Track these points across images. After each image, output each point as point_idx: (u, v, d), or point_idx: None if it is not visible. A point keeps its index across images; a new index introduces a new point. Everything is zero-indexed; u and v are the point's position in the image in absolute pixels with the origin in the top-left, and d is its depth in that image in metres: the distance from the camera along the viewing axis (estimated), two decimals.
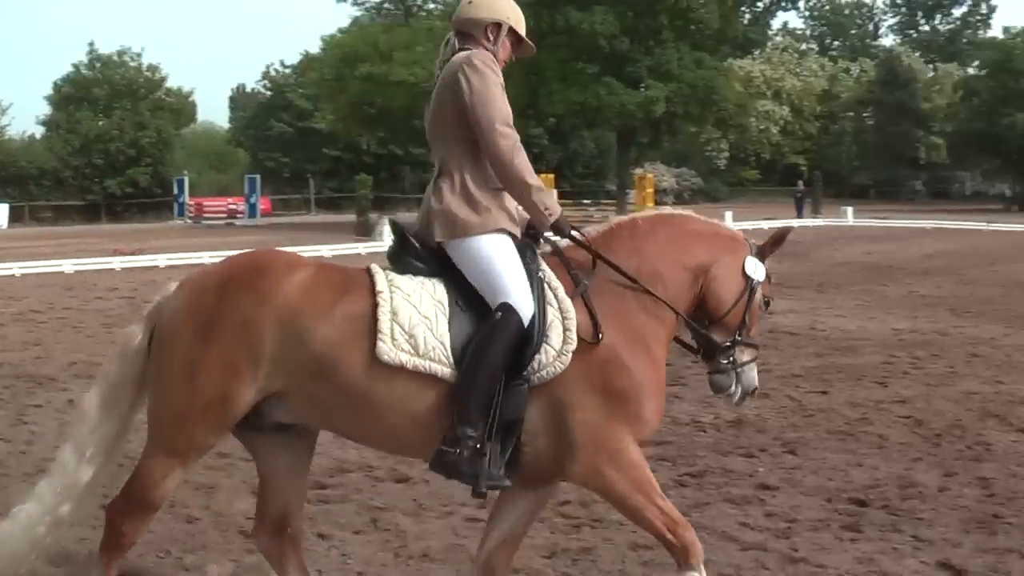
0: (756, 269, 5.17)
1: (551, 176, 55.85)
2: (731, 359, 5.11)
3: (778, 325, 16.01)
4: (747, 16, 57.18)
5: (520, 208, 4.80)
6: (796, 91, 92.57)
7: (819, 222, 50.23)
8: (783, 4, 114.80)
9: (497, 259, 4.64)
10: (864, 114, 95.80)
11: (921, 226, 47.04)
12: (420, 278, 4.67)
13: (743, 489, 7.64)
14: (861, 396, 10.88)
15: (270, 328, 4.44)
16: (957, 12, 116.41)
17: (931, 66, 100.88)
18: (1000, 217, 56.66)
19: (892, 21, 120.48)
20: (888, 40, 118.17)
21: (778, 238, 5.28)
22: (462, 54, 4.78)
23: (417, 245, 4.78)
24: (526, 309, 4.55)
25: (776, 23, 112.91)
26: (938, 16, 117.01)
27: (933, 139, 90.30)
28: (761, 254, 5.24)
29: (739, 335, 5.11)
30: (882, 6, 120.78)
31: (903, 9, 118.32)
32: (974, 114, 79.84)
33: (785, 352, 13.65)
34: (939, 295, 20.40)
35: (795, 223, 48.31)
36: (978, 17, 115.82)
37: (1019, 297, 20.01)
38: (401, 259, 4.80)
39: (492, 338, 4.49)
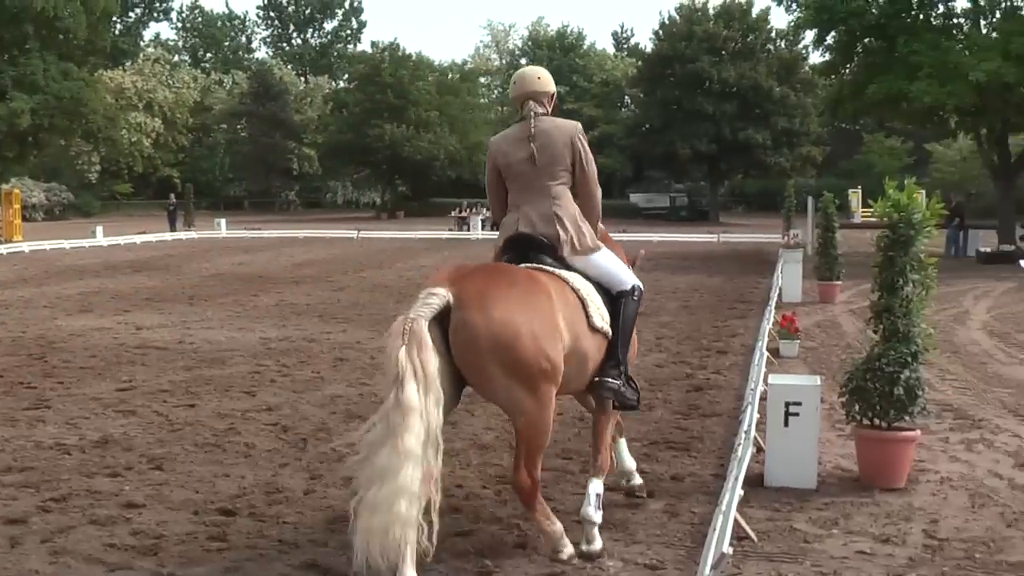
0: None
1: None
2: None
3: (147, 340, 15.85)
4: (118, 26, 55.94)
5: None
6: (169, 103, 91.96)
7: (192, 235, 50.29)
8: (155, 15, 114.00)
9: (614, 261, 7.08)
10: (238, 126, 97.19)
11: (294, 236, 48.57)
12: (563, 271, 6.71)
13: (109, 509, 7.47)
14: (229, 407, 10.99)
15: (557, 317, 6.25)
16: (329, 26, 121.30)
17: (303, 79, 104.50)
18: (370, 225, 60.06)
19: (265, 34, 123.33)
20: (262, 53, 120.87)
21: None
22: (566, 123, 7.01)
23: (556, 251, 6.84)
24: (641, 285, 7.12)
25: (148, 34, 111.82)
26: (310, 30, 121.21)
27: (306, 150, 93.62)
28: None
29: None
30: (255, 19, 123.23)
31: (276, 22, 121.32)
32: (344, 125, 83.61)
33: (153, 367, 13.46)
34: (309, 303, 21.18)
35: (168, 236, 48.14)
36: (349, 31, 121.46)
37: (384, 301, 21.25)
38: (540, 260, 6.77)
39: (634, 307, 7.00)
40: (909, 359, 8.02)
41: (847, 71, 38.94)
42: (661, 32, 78.89)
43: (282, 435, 9.77)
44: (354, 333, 16.77)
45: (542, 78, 7.12)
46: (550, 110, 7.12)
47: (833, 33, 37.21)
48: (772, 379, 8.46)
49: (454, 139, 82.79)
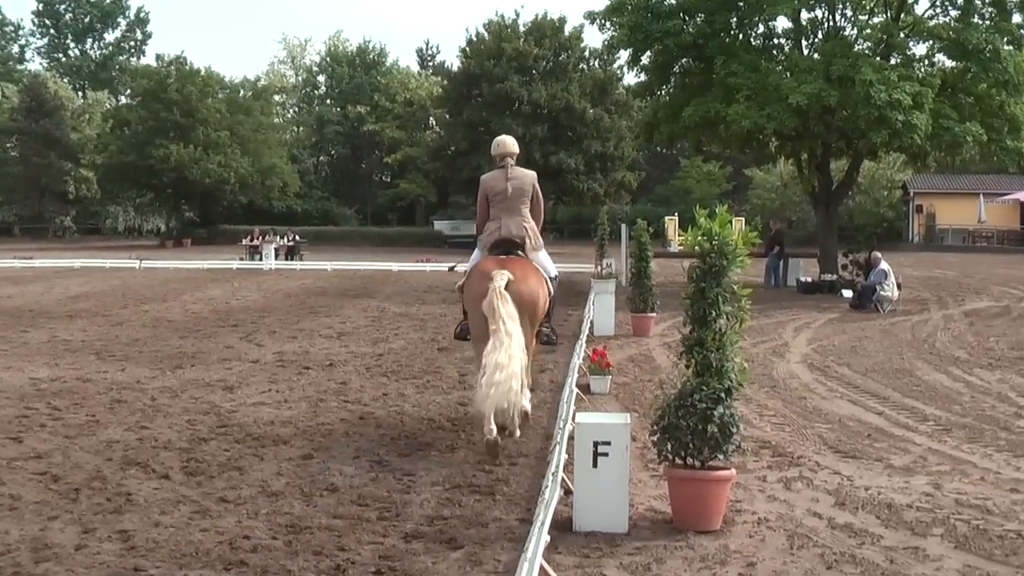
0: None
1: None
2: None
3: None
4: None
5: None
6: None
7: None
8: None
9: (548, 258, 12.38)
10: (7, 144, 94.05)
11: (69, 265, 47.27)
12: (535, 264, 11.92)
13: None
14: None
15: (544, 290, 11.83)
16: (110, 37, 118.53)
17: (80, 94, 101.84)
18: (154, 254, 58.79)
19: (40, 43, 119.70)
20: (35, 64, 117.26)
21: None
22: (529, 172, 12.28)
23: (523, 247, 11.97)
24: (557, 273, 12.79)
25: None
26: (90, 40, 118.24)
27: (83, 172, 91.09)
28: None
29: None
30: (30, 27, 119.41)
31: (52, 31, 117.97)
32: (126, 145, 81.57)
33: None
34: (85, 339, 20.57)
35: None
36: (132, 43, 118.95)
37: (168, 337, 20.84)
38: (516, 253, 11.74)
39: (556, 286, 12.43)
40: (722, 394, 8.22)
41: (663, 93, 39.52)
42: (468, 49, 79.46)
43: (52, 485, 9.45)
44: (133, 372, 16.38)
45: (515, 143, 12.54)
46: (515, 162, 12.28)
47: (648, 53, 37.67)
48: (580, 417, 8.58)
49: (246, 161, 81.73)
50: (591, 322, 21.86)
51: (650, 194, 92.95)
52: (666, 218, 58.33)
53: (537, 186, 12.33)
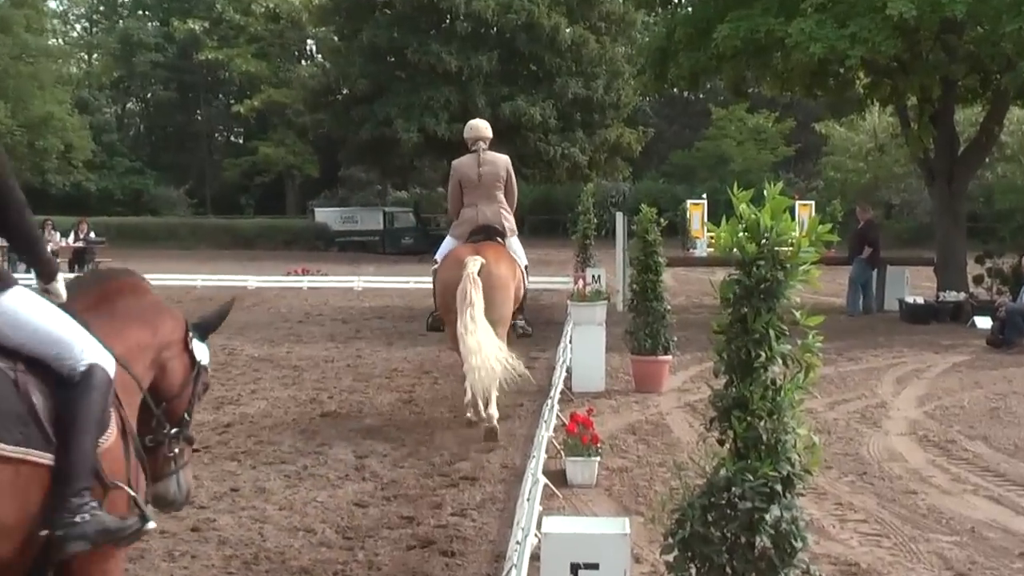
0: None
1: None
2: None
3: None
4: None
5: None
6: None
7: None
8: None
9: (520, 245, 19.89)
10: None
11: None
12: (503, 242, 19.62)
13: None
14: None
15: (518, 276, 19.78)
16: None
17: None
18: None
19: None
20: None
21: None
22: (502, 156, 19.59)
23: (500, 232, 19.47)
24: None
25: None
26: None
27: None
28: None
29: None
30: None
31: None
32: None
33: None
34: None
35: None
36: None
37: None
38: (491, 237, 18.93)
39: (526, 274, 20.37)
40: (778, 487, 8.22)
41: (682, 2, 39.59)
42: None
43: None
44: None
45: (488, 127, 19.36)
46: (487, 146, 18.82)
47: None
48: (549, 524, 8.57)
49: (2, 109, 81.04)
50: (568, 371, 21.98)
51: (663, 164, 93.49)
52: (688, 203, 58.25)
53: (511, 170, 19.20)
